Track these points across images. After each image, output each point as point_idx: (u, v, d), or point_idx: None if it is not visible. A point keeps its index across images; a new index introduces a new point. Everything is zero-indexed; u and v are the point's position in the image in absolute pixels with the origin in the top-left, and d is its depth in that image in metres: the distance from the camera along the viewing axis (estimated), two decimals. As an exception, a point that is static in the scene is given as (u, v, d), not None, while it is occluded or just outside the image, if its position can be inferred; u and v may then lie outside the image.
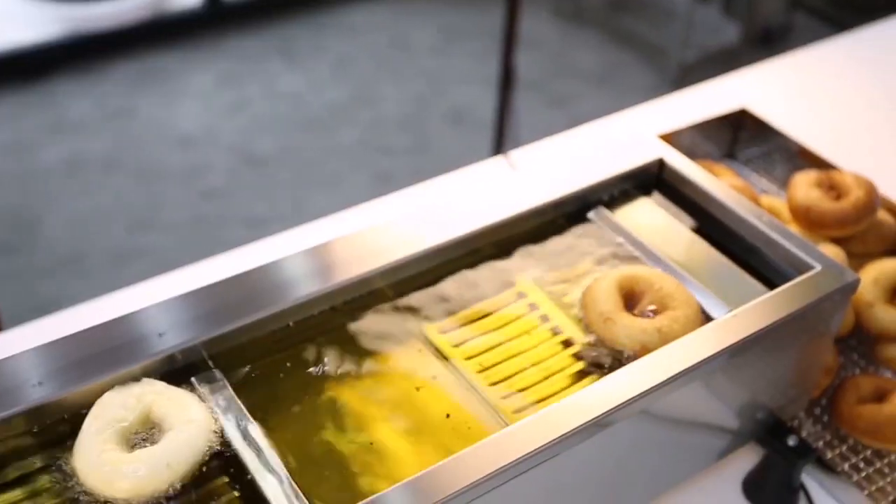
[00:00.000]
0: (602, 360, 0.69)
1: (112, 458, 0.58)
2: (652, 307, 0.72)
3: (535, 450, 0.59)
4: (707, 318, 0.72)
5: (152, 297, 0.68)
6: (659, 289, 0.72)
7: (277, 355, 0.68)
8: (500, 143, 2.05)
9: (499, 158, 1.17)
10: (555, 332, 0.71)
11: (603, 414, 0.61)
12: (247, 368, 0.66)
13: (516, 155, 1.20)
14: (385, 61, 2.99)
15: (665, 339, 0.68)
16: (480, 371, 0.68)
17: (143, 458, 0.59)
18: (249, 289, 0.68)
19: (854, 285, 0.73)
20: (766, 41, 3.03)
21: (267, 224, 2.32)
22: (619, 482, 0.70)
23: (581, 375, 0.68)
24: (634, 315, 0.71)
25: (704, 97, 1.33)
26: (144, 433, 0.61)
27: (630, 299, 0.73)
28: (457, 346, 0.69)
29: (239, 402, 0.63)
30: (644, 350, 0.68)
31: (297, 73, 2.89)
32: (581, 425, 0.60)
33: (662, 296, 0.72)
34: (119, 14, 2.83)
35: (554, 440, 0.59)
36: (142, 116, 2.63)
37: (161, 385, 0.63)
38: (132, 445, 0.61)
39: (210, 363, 0.65)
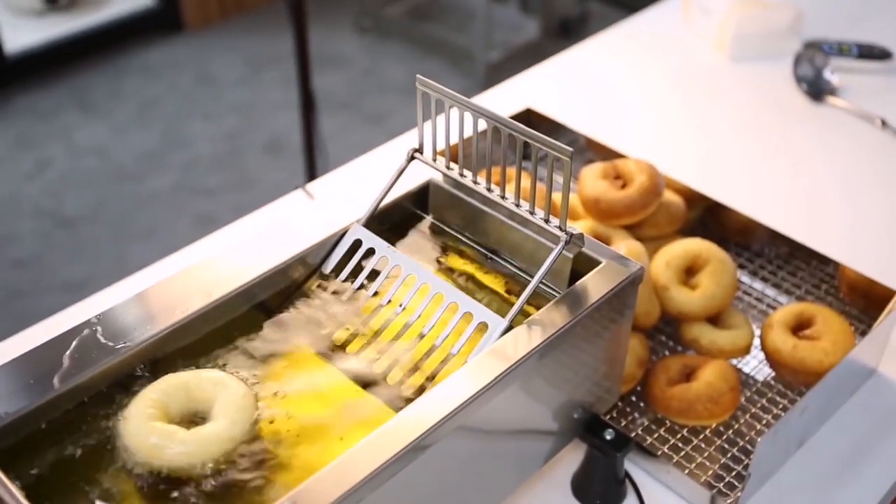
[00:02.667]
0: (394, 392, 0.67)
1: None
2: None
3: (339, 498, 0.56)
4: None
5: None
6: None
7: (63, 450, 0.63)
8: (311, 170, 2.02)
9: (298, 191, 1.14)
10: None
11: (415, 440, 0.59)
12: (35, 470, 0.61)
13: (317, 184, 1.17)
14: (191, 99, 2.90)
15: None
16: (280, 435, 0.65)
17: None
18: (32, 371, 0.63)
19: (639, 274, 0.74)
20: (565, 33, 3.12)
21: (87, 286, 2.20)
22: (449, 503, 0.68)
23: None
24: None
25: (510, 96, 1.34)
26: None
27: None
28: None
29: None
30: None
31: (98, 124, 2.77)
32: (392, 457, 0.58)
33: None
34: None
35: (360, 481, 0.57)
36: (-66, 192, 2.47)
37: None
38: None
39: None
